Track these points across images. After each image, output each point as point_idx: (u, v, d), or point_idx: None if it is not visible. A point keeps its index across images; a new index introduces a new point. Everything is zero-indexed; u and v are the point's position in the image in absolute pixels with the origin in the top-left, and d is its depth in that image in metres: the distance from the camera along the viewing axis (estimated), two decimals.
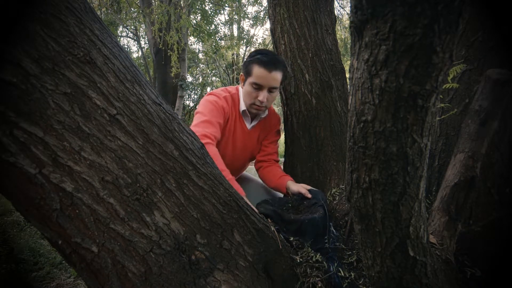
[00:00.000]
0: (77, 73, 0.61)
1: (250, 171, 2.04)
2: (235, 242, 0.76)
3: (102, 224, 0.62)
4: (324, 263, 0.92)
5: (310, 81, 1.50)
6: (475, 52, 1.06)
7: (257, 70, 1.32)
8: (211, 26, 7.72)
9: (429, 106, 0.48)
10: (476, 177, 0.78)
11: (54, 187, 0.59)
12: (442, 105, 1.08)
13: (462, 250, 0.92)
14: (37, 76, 0.57)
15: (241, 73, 1.44)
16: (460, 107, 1.09)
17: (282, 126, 1.95)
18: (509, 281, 0.85)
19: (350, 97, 0.55)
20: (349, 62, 0.55)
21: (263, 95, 1.35)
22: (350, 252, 1.08)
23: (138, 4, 7.14)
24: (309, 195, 1.22)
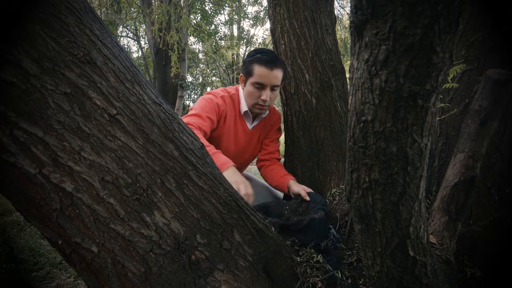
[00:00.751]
0: (77, 73, 0.61)
1: (250, 170, 2.04)
2: (235, 242, 0.76)
3: (102, 224, 0.62)
4: (325, 263, 0.92)
5: (310, 81, 1.50)
6: (475, 52, 1.06)
7: (259, 69, 1.31)
8: (211, 26, 7.72)
9: (429, 106, 0.48)
10: (476, 177, 0.78)
11: (54, 187, 0.59)
12: (442, 105, 1.08)
13: (462, 250, 0.92)
14: (37, 76, 0.57)
15: (240, 74, 1.43)
16: (460, 107, 1.09)
17: (282, 126, 1.95)
18: (509, 281, 0.85)
19: (350, 97, 0.55)
20: (349, 62, 0.55)
21: (266, 94, 1.35)
22: (350, 252, 1.08)
23: (138, 4, 7.14)
24: (308, 198, 1.22)
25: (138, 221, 0.65)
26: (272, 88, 1.36)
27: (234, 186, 1.04)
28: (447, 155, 1.12)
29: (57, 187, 0.59)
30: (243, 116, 1.48)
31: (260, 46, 11.14)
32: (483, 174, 0.88)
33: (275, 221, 1.00)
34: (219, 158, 1.16)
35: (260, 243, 0.81)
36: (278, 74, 1.33)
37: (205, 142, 1.16)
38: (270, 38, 1.85)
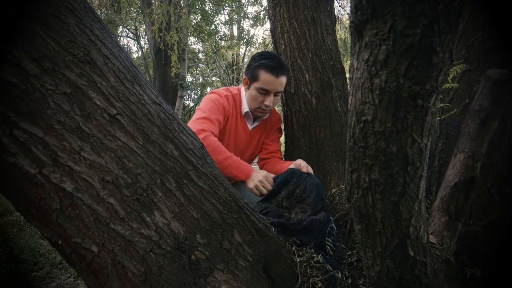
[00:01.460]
0: (77, 73, 0.61)
1: None
2: (235, 242, 0.76)
3: (102, 224, 0.62)
4: (325, 263, 0.92)
5: (310, 81, 1.50)
6: (475, 52, 1.06)
7: (265, 76, 1.32)
8: (211, 26, 7.72)
9: (429, 106, 0.48)
10: (476, 177, 0.78)
11: (54, 187, 0.59)
12: (442, 105, 1.08)
13: (462, 250, 0.92)
14: (37, 76, 0.57)
15: (244, 76, 1.44)
16: (460, 107, 1.09)
17: (282, 126, 1.94)
18: (509, 281, 0.85)
19: (350, 97, 0.55)
20: (349, 62, 0.55)
21: (269, 100, 1.37)
22: (350, 252, 1.08)
23: (138, 4, 7.14)
24: (307, 170, 1.23)
25: (138, 221, 0.65)
26: (276, 94, 1.38)
27: (252, 189, 1.21)
28: (447, 155, 1.12)
29: (57, 187, 0.59)
30: (244, 117, 1.49)
31: (260, 46, 11.14)
32: (483, 174, 0.88)
33: (275, 221, 1.00)
34: (243, 170, 1.26)
35: (260, 243, 0.81)
36: (283, 80, 1.35)
37: (227, 153, 1.26)
38: (270, 38, 1.85)
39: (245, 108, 1.46)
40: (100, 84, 0.64)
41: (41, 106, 0.57)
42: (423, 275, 0.67)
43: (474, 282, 0.86)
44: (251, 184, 1.21)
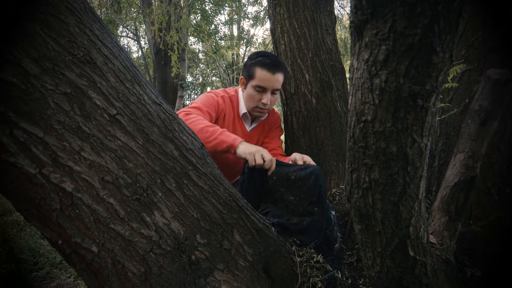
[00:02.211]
0: (77, 73, 0.61)
1: None
2: (235, 242, 0.76)
3: (102, 224, 0.62)
4: (325, 263, 0.92)
5: (310, 81, 1.50)
6: (475, 52, 1.06)
7: (260, 73, 1.31)
8: (211, 26, 7.72)
9: (429, 106, 0.48)
10: (476, 177, 0.78)
11: (54, 187, 0.59)
12: (442, 105, 1.08)
13: (462, 250, 0.92)
14: (37, 76, 0.57)
15: (241, 76, 1.43)
16: (460, 107, 1.09)
17: (282, 126, 1.94)
18: (509, 281, 0.85)
19: (350, 97, 0.55)
20: (349, 62, 0.55)
21: (267, 98, 1.35)
22: (350, 252, 1.08)
23: (138, 4, 7.14)
24: (300, 163, 1.15)
25: (138, 221, 0.65)
26: (273, 92, 1.36)
27: (251, 157, 1.05)
28: (447, 155, 1.12)
29: (57, 187, 0.59)
30: (241, 118, 1.48)
31: (260, 46, 11.14)
32: (483, 174, 0.88)
33: (275, 221, 1.00)
34: (230, 135, 1.14)
35: (260, 243, 0.81)
36: (279, 78, 1.34)
37: (208, 123, 1.16)
38: (270, 38, 1.85)
39: (242, 109, 1.44)
40: (100, 84, 0.64)
41: (41, 106, 0.57)
42: (423, 275, 0.67)
43: (474, 282, 0.86)
44: (247, 152, 1.07)
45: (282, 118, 1.71)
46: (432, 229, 0.84)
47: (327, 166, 1.48)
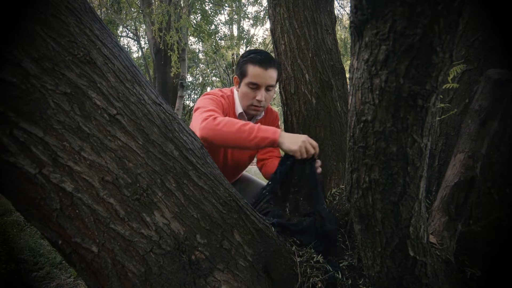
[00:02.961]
0: (77, 73, 0.61)
1: (250, 171, 2.04)
2: (235, 242, 0.76)
3: (102, 224, 0.62)
4: (325, 263, 0.92)
5: (310, 81, 1.50)
6: (475, 52, 1.06)
7: (253, 70, 1.30)
8: (211, 26, 7.72)
9: (429, 106, 0.48)
10: (476, 177, 0.78)
11: (54, 187, 0.59)
12: (442, 105, 1.08)
13: (462, 250, 0.92)
14: (37, 76, 0.57)
15: (234, 76, 1.42)
16: (460, 107, 1.09)
17: (282, 127, 1.94)
18: (509, 281, 0.85)
19: (350, 97, 0.55)
20: (349, 62, 0.55)
21: (261, 94, 1.34)
22: (350, 252, 1.08)
23: (138, 4, 7.14)
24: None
25: (138, 221, 0.65)
26: (267, 89, 1.35)
27: (302, 150, 1.04)
28: (447, 155, 1.12)
29: (57, 187, 0.59)
30: (238, 118, 1.47)
31: (260, 46, 11.14)
32: (483, 174, 0.88)
33: (275, 221, 1.00)
34: (267, 130, 1.12)
35: (260, 243, 0.81)
36: (272, 74, 1.32)
37: (239, 121, 1.15)
38: (270, 38, 1.85)
39: (239, 109, 1.43)
40: (100, 84, 0.64)
41: (41, 106, 0.57)
42: (423, 275, 0.67)
43: (474, 282, 0.86)
44: (294, 146, 1.06)
45: (282, 118, 1.70)
46: (432, 229, 0.84)
47: (327, 166, 1.47)
